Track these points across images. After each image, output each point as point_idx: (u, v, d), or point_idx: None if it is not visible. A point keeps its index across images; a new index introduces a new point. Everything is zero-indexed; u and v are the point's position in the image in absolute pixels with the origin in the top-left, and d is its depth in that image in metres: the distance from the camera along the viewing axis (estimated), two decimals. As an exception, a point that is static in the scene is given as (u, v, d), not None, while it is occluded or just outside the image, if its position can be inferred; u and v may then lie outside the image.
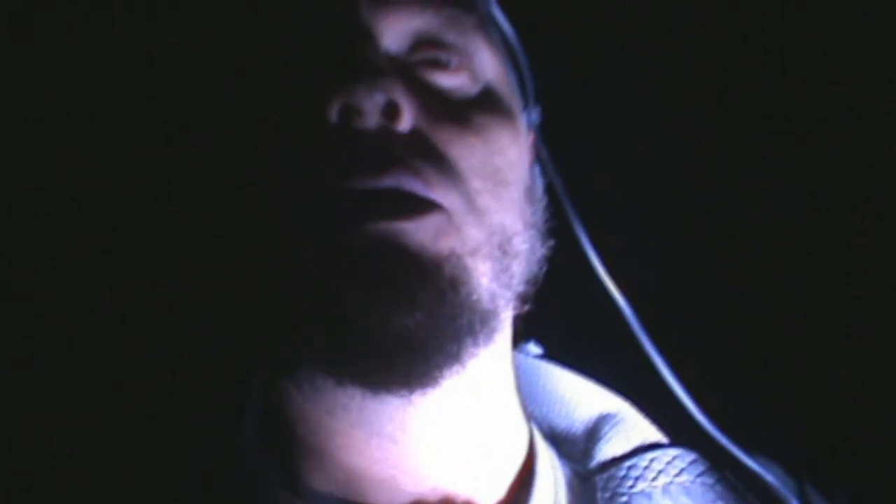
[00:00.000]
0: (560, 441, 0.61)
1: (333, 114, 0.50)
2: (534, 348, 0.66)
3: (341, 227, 0.49)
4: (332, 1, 0.54)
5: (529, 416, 0.59)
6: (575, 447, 0.61)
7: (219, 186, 0.55)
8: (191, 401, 0.62)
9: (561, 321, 0.58)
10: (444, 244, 0.50)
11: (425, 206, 0.50)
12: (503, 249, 0.53)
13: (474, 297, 0.50)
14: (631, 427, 0.62)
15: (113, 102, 0.70)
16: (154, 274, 0.68)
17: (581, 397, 0.64)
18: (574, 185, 0.62)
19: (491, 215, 0.53)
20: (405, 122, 0.51)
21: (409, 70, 0.54)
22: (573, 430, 0.62)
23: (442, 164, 0.52)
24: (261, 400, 0.57)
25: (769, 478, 0.59)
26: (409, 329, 0.48)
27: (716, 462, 0.59)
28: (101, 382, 0.67)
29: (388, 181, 0.50)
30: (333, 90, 0.50)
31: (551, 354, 0.61)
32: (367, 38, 0.53)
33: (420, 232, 0.50)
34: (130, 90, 0.70)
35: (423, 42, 0.55)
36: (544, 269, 0.57)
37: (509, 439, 0.56)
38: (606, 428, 0.61)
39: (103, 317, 0.70)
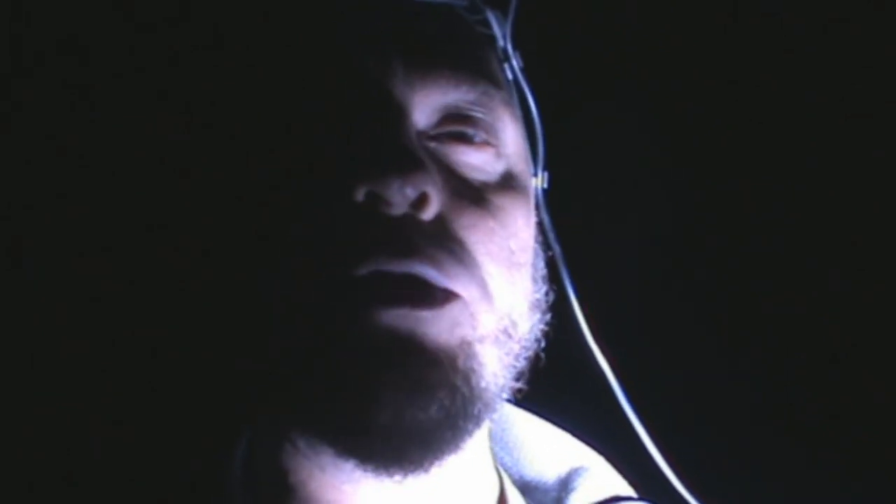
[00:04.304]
0: (530, 490, 0.62)
1: (360, 196, 0.49)
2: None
3: (360, 308, 0.49)
4: (367, 68, 0.53)
5: (499, 464, 0.59)
6: (546, 496, 0.62)
7: (231, 249, 0.54)
8: (176, 438, 0.62)
9: (536, 369, 0.58)
10: (459, 333, 0.50)
11: (444, 296, 0.50)
12: (508, 333, 0.53)
13: (483, 385, 0.51)
14: (602, 479, 0.62)
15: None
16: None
17: (554, 447, 0.64)
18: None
19: (502, 300, 0.53)
20: (431, 214, 0.51)
21: (436, 145, 0.54)
22: (544, 479, 0.63)
23: (460, 253, 0.51)
24: (249, 441, 0.58)
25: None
26: (421, 424, 0.49)
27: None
28: (85, 418, 0.67)
29: (408, 268, 0.49)
30: (365, 173, 0.49)
31: (524, 401, 0.61)
32: (400, 114, 0.52)
33: (438, 322, 0.49)
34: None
35: (451, 115, 0.54)
36: (542, 344, 0.57)
37: (482, 492, 0.58)
38: (579, 479, 0.62)
39: (90, 350, 0.68)
